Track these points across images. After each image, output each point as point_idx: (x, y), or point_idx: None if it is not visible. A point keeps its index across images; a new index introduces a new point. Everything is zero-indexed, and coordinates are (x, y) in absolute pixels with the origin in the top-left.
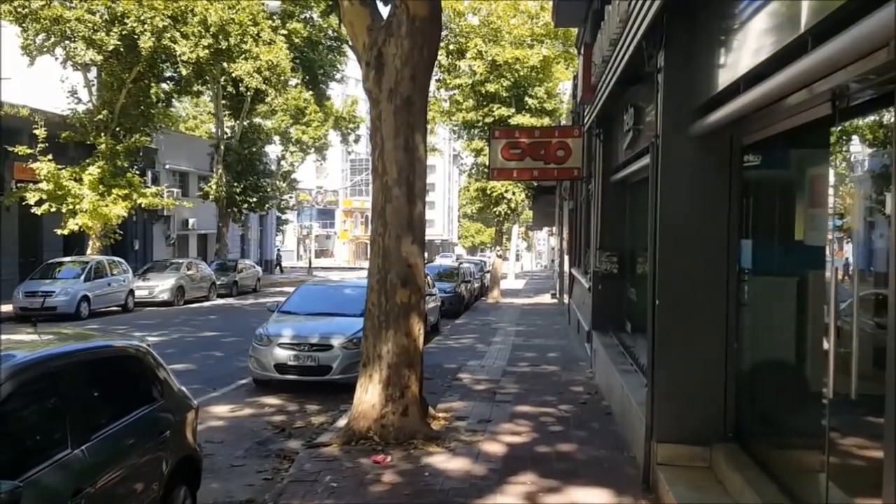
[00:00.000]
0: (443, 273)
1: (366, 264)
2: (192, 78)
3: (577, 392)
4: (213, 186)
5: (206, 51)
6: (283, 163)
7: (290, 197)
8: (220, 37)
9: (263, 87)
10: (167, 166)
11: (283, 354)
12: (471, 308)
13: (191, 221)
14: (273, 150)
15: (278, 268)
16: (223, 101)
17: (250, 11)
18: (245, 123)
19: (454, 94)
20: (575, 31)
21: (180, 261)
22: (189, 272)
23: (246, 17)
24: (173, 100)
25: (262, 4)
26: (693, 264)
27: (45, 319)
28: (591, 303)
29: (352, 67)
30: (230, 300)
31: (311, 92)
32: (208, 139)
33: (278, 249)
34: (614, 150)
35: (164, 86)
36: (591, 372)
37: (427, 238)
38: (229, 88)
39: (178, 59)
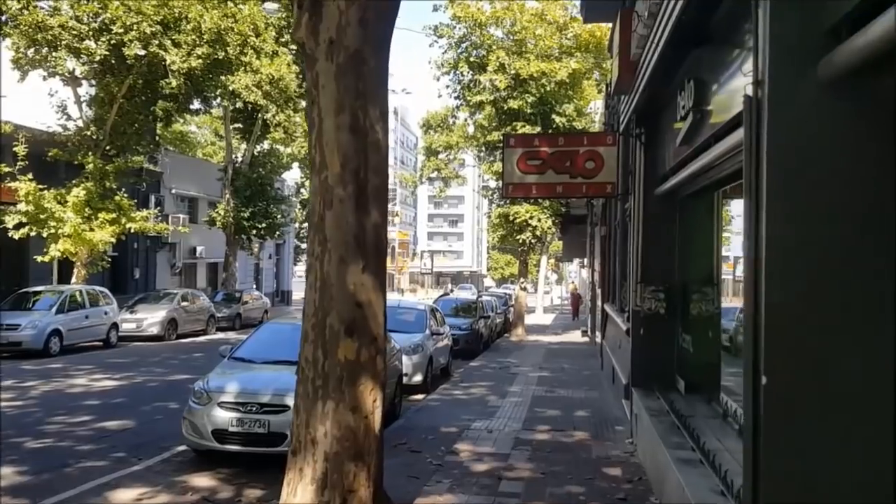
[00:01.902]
0: (459, 307)
1: (391, 296)
2: (188, 92)
3: (614, 477)
4: (221, 212)
5: (200, 60)
6: (302, 190)
7: None
8: (217, 46)
9: (263, 102)
10: (173, 190)
11: (223, 417)
12: (491, 347)
13: (199, 249)
14: (293, 175)
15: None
16: (237, 124)
17: (252, 20)
18: (260, 147)
19: (478, 118)
20: (607, 40)
21: (174, 291)
22: (184, 304)
23: (247, 26)
24: (173, 118)
25: (264, 12)
26: (836, 304)
27: (9, 357)
28: (631, 350)
29: None
30: (231, 334)
31: None
32: (218, 163)
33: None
34: (660, 154)
35: (160, 102)
36: (631, 443)
37: (455, 269)
38: (238, 106)
39: (168, 68)
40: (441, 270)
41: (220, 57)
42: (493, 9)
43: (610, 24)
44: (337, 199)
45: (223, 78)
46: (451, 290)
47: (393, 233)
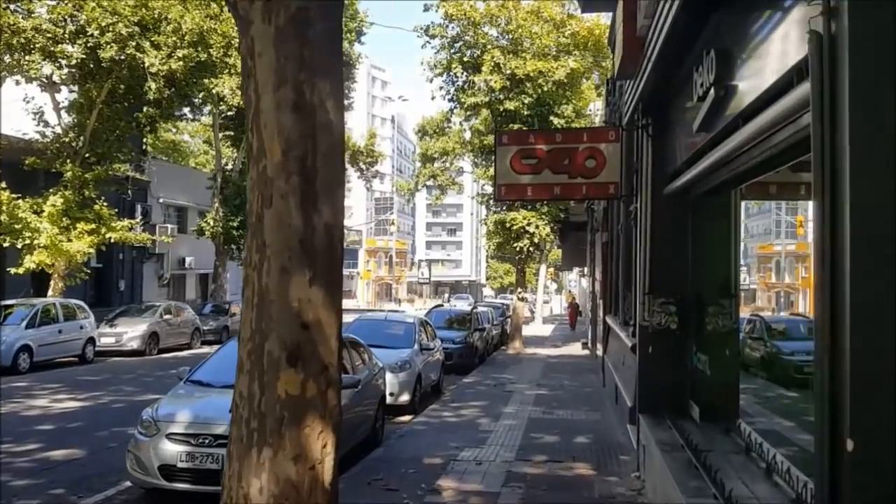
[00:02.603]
0: (453, 319)
1: (387, 305)
2: (171, 97)
3: None
4: (210, 222)
5: (181, 63)
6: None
7: None
8: (199, 48)
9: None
10: (161, 200)
11: (172, 451)
12: (487, 361)
13: (188, 260)
14: None
15: None
16: (228, 132)
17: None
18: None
19: (475, 123)
20: (606, 38)
21: (157, 304)
22: (167, 317)
23: (230, 27)
24: (157, 124)
25: None
26: None
27: None
28: (638, 370)
29: (354, 85)
30: (216, 348)
31: None
32: (210, 171)
33: None
34: (670, 147)
35: (145, 109)
36: (637, 477)
37: (453, 279)
38: (229, 113)
39: (147, 71)
40: (440, 280)
41: (203, 59)
42: (488, 6)
43: (609, 16)
44: (278, 193)
45: (206, 81)
46: (449, 300)
47: (391, 242)
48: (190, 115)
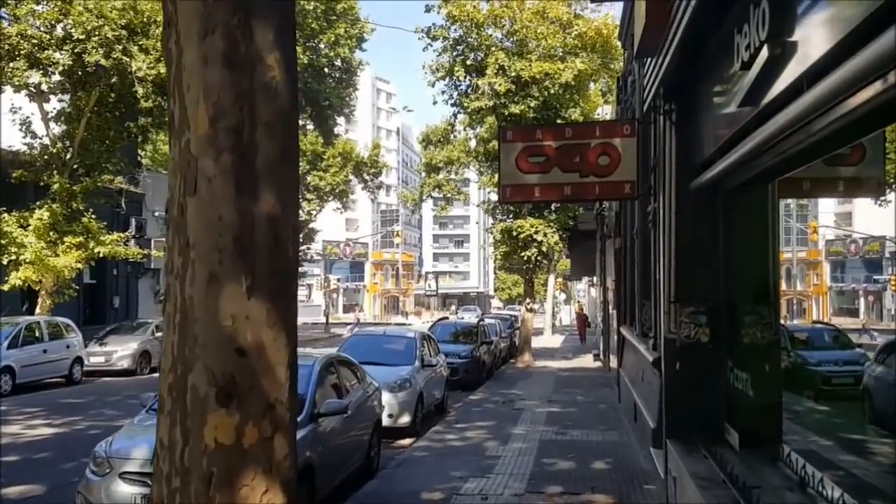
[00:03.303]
0: (459, 332)
1: (395, 318)
2: (160, 104)
3: None
4: None
5: None
6: (299, 211)
7: (308, 248)
8: None
9: None
10: (157, 213)
11: (125, 493)
12: (494, 375)
13: None
14: None
15: None
16: None
17: None
18: None
19: (480, 132)
20: (615, 38)
21: (148, 321)
22: (159, 334)
23: None
24: (150, 134)
25: None
26: None
27: None
28: (664, 389)
29: (359, 97)
30: None
31: (314, 129)
32: None
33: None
34: (697, 136)
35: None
36: None
37: (461, 290)
38: None
39: (135, 76)
40: (447, 292)
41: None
42: (491, 7)
43: (618, 14)
44: (204, 177)
45: None
46: (456, 312)
47: (397, 254)
48: None
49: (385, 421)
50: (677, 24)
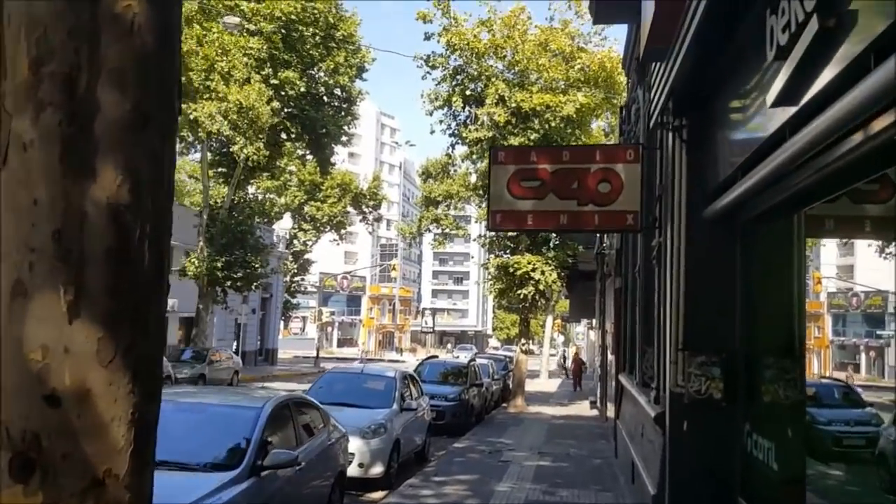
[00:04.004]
0: (448, 373)
1: (389, 355)
2: None
3: None
4: (194, 261)
5: None
6: (295, 241)
7: (302, 279)
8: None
9: (229, 133)
10: None
11: None
12: (484, 420)
13: (170, 302)
14: (285, 226)
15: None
16: (221, 168)
17: (220, 43)
18: (246, 193)
19: (480, 167)
20: (618, 72)
21: None
22: None
23: (213, 49)
24: None
25: (240, 37)
26: None
27: None
28: (667, 452)
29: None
30: None
31: (310, 155)
32: (196, 206)
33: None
34: (711, 156)
35: None
36: None
37: (459, 328)
38: (224, 150)
39: None
40: (445, 329)
41: (182, 82)
42: (492, 37)
43: (621, 45)
44: (18, 143)
45: (183, 106)
46: (452, 350)
47: (395, 289)
48: (178, 148)
49: (354, 471)
50: (693, 10)
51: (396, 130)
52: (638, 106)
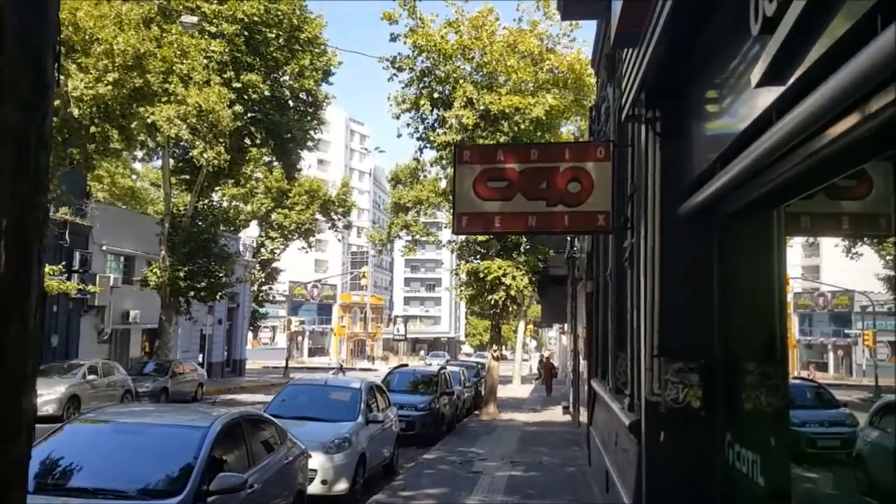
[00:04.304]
0: (418, 381)
1: (361, 364)
2: (104, 128)
3: None
4: (157, 271)
5: (111, 87)
6: (262, 250)
7: (270, 288)
8: (135, 73)
9: (188, 136)
10: (104, 247)
11: None
12: (456, 428)
13: (132, 313)
14: (252, 234)
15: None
16: (184, 175)
17: (179, 45)
18: (212, 200)
19: (450, 172)
20: (588, 73)
21: (81, 363)
22: (91, 377)
23: (172, 51)
24: (93, 161)
25: (201, 40)
26: None
27: None
28: (644, 464)
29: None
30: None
31: (276, 161)
32: (157, 214)
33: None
34: (689, 147)
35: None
36: None
37: (432, 335)
38: (185, 156)
39: (70, 95)
40: (418, 337)
41: (139, 85)
42: (459, 38)
43: (589, 48)
44: None
45: (141, 110)
46: (424, 358)
47: (366, 297)
48: (140, 155)
49: (317, 488)
50: None
51: (366, 137)
52: (608, 104)
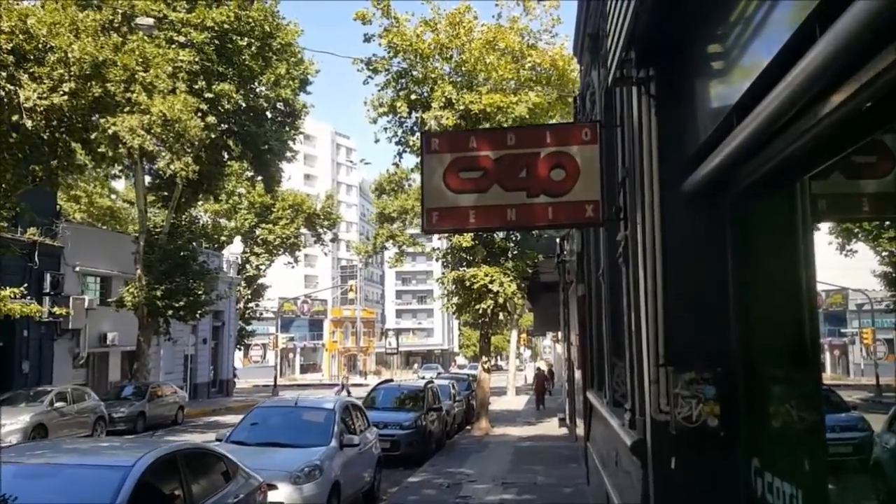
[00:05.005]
0: (404, 397)
1: (353, 379)
2: (64, 141)
3: None
4: (133, 290)
5: (66, 98)
6: (247, 266)
7: (256, 304)
8: (94, 82)
9: (152, 147)
10: (77, 268)
11: None
12: (446, 446)
13: (110, 336)
14: (236, 251)
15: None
16: (161, 192)
17: (141, 52)
18: (191, 216)
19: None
20: (575, 71)
21: (48, 389)
22: (59, 404)
23: (133, 59)
24: (57, 177)
25: (168, 50)
26: None
27: None
28: (649, 487)
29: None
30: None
31: (254, 173)
32: (132, 233)
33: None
34: (690, 110)
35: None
36: None
37: (425, 348)
38: (152, 166)
39: (21, 106)
40: (411, 349)
41: (99, 95)
42: (436, 37)
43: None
44: None
45: (102, 121)
46: (417, 371)
47: (357, 311)
48: (114, 171)
49: None
50: None
51: (353, 150)
52: (593, 89)
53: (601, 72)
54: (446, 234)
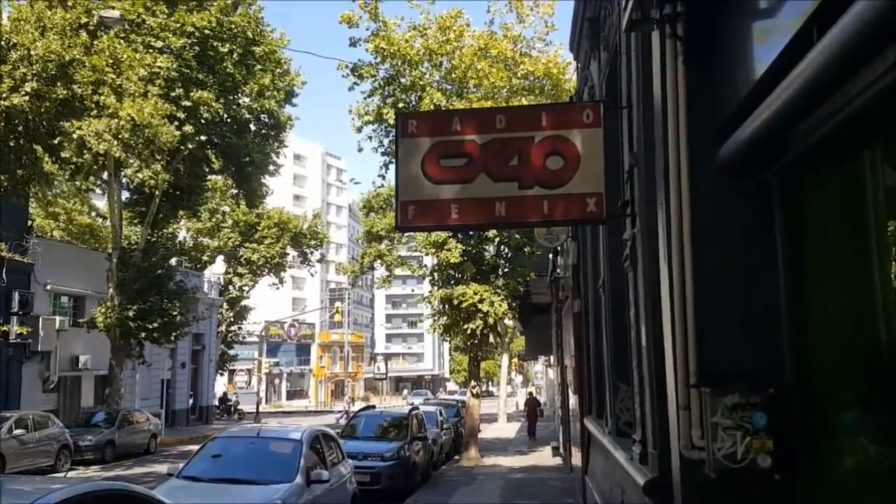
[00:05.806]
0: (387, 425)
1: (339, 405)
2: (28, 146)
3: None
4: (105, 310)
5: (27, 98)
6: (230, 287)
7: (239, 327)
8: (60, 83)
9: (120, 153)
10: (49, 287)
11: None
12: (432, 478)
13: (82, 359)
14: (218, 271)
15: (237, 413)
16: (138, 207)
17: (111, 53)
18: (166, 232)
19: None
20: (567, 77)
21: (7, 415)
22: (18, 431)
23: (103, 59)
24: (27, 189)
25: (145, 55)
26: None
27: None
28: None
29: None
30: (93, 469)
31: (235, 188)
32: (104, 250)
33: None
34: (728, 60)
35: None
36: None
37: (415, 373)
38: (132, 182)
39: None
40: (400, 375)
41: (65, 96)
42: (425, 42)
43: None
44: None
45: (67, 124)
46: (406, 397)
47: (346, 335)
48: (89, 185)
49: None
50: None
51: (343, 171)
52: (591, 83)
53: (602, 56)
54: (434, 251)
